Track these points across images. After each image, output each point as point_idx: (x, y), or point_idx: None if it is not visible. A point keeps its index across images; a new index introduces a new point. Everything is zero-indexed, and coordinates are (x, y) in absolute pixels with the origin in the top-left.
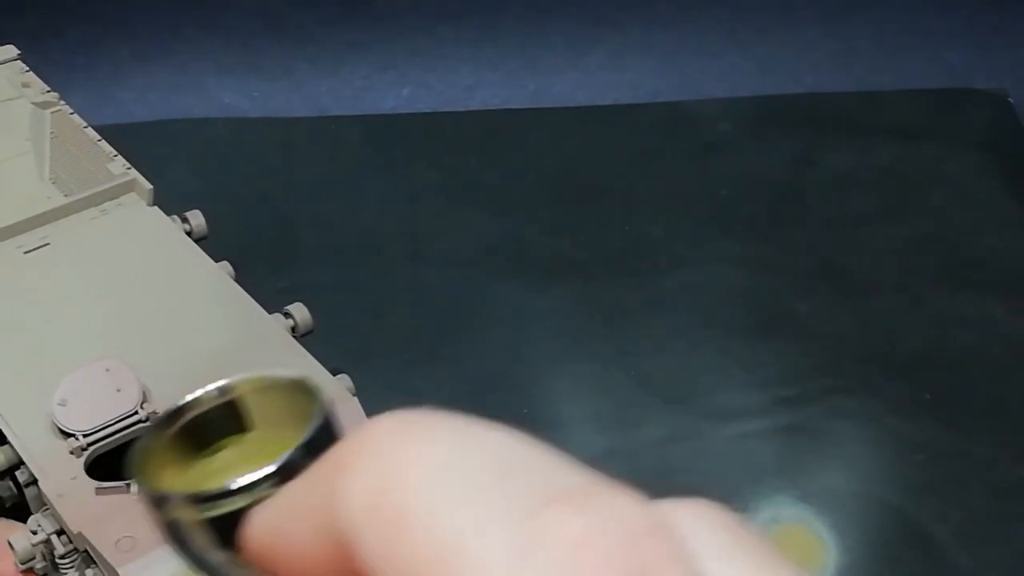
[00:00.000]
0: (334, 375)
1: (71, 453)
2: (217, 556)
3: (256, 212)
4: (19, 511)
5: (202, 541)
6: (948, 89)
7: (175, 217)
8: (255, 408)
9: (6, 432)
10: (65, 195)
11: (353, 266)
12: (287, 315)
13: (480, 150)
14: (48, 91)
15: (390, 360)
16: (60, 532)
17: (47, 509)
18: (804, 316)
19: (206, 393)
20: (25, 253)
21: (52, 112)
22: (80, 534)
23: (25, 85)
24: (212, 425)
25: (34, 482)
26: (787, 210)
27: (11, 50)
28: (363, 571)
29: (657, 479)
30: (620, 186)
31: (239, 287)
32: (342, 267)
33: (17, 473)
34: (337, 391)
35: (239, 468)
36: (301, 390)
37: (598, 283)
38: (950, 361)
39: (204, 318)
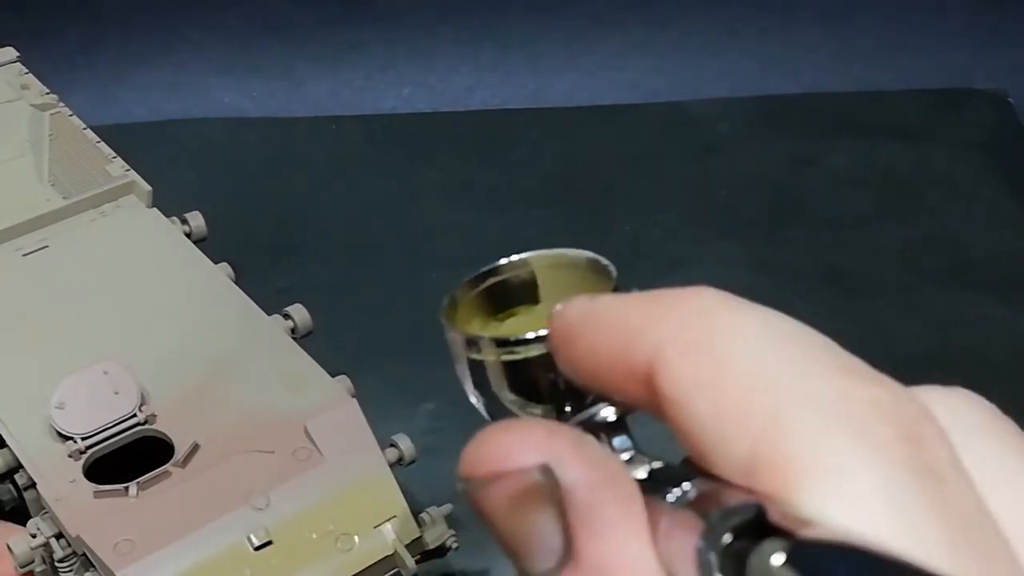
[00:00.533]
0: (333, 376)
1: (70, 456)
2: (510, 396)
3: (256, 212)
4: (18, 514)
5: (500, 380)
6: (948, 89)
7: (174, 219)
8: (548, 283)
9: (4, 435)
10: (64, 197)
11: (353, 266)
12: (286, 316)
13: (480, 150)
14: (47, 93)
15: (390, 360)
16: (59, 536)
17: (46, 512)
18: (804, 316)
19: (509, 263)
20: (24, 256)
21: (51, 114)
22: (78, 537)
23: (24, 87)
24: (509, 293)
25: (33, 485)
26: (787, 210)
27: (10, 52)
28: (662, 394)
29: None
30: (620, 186)
31: (238, 289)
32: (342, 267)
33: (16, 476)
34: (336, 393)
35: (528, 329)
36: (593, 270)
37: None
38: (950, 361)
39: (203, 320)
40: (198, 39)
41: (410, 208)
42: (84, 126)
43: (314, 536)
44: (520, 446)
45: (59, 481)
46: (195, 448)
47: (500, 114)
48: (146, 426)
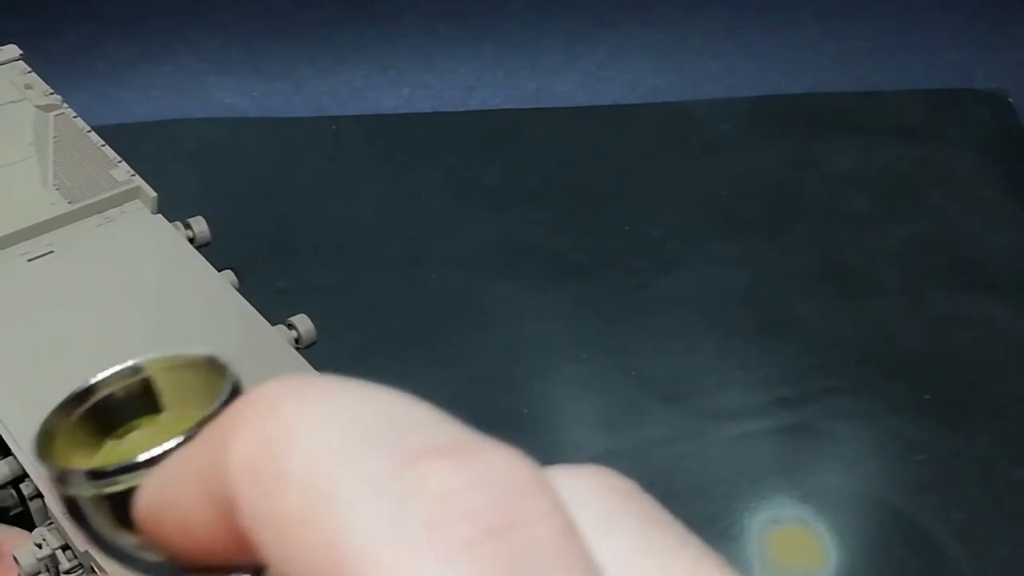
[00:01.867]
0: None
1: None
2: (118, 535)
3: (256, 212)
4: (23, 519)
5: (102, 519)
6: (948, 89)
7: (178, 223)
8: (166, 388)
9: (10, 444)
10: (69, 202)
11: (353, 266)
12: (290, 326)
13: (480, 150)
14: (51, 93)
15: (390, 360)
16: (65, 547)
17: (52, 523)
18: (804, 316)
19: (116, 373)
20: (29, 261)
21: (55, 115)
22: (87, 552)
23: (27, 87)
24: (123, 406)
25: (39, 496)
26: (787, 210)
27: (13, 50)
28: (246, 534)
29: (657, 479)
30: (620, 186)
31: (242, 299)
32: (342, 267)
33: (22, 486)
34: None
35: (148, 447)
36: (212, 367)
37: (598, 283)
38: (950, 361)
39: (207, 330)
40: (198, 39)
41: (410, 208)
42: (88, 128)
43: None
44: None
45: None
46: None
47: (500, 114)
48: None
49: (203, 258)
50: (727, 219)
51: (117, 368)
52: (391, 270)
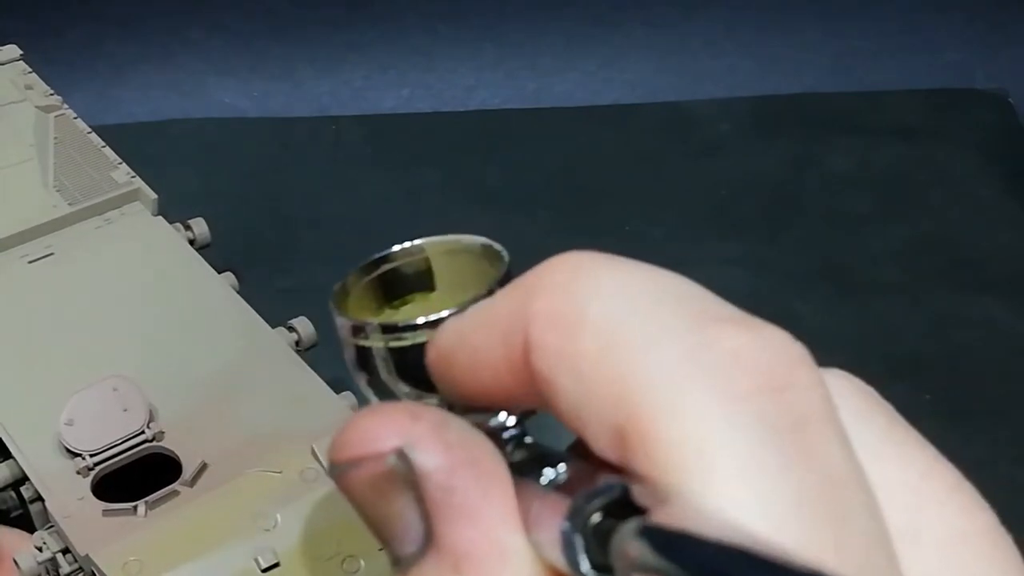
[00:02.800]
0: (336, 391)
1: (78, 473)
2: (397, 384)
3: (256, 212)
4: (23, 520)
5: (388, 368)
6: (948, 89)
7: (178, 225)
8: (442, 269)
9: (11, 447)
10: (69, 204)
11: (353, 266)
12: (291, 329)
13: (480, 150)
14: (51, 94)
15: None
16: (65, 551)
17: (52, 527)
18: (804, 316)
19: (404, 249)
20: (29, 263)
21: (56, 116)
22: (87, 556)
23: (28, 87)
24: (403, 280)
25: (39, 499)
26: (787, 210)
27: (13, 50)
28: (537, 374)
29: None
30: (620, 186)
31: (243, 302)
32: (342, 267)
33: (22, 488)
34: (342, 413)
35: (422, 315)
36: (486, 255)
37: None
38: (950, 361)
39: (209, 335)
40: (198, 39)
41: (410, 208)
42: (89, 130)
43: (321, 558)
44: (379, 430)
45: (68, 498)
46: (203, 467)
47: (500, 114)
48: (154, 443)
49: (203, 260)
50: (727, 219)
51: (406, 244)
52: None
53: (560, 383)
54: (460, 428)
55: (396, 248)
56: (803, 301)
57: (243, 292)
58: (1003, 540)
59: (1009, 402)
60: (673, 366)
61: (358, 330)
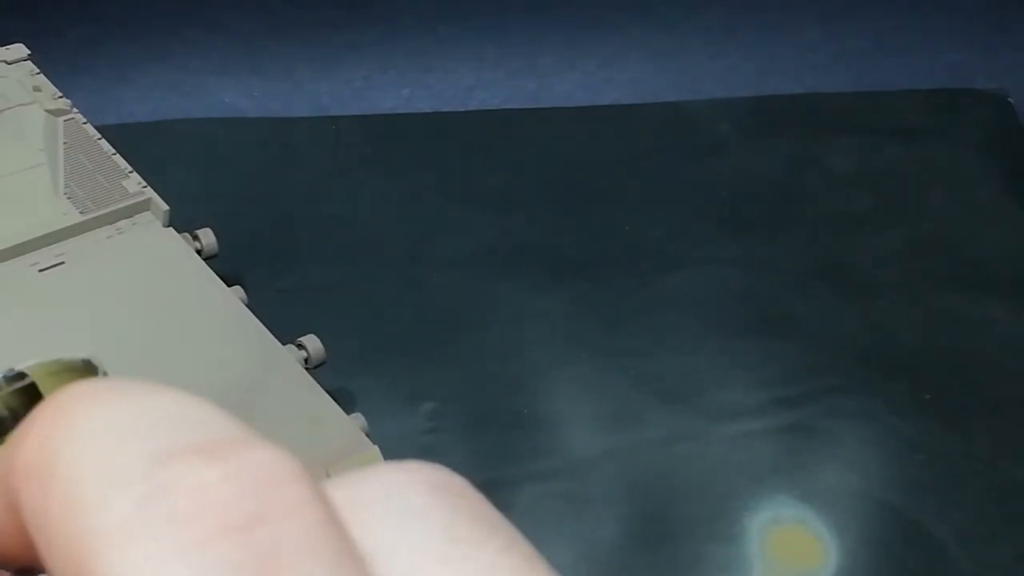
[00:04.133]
0: (348, 413)
1: None
2: None
3: (256, 212)
4: None
5: None
6: (948, 89)
7: (186, 235)
8: (50, 392)
9: None
10: (81, 212)
11: (353, 266)
12: (300, 346)
13: (480, 150)
14: (59, 96)
15: (390, 360)
16: None
17: None
18: (804, 316)
19: (2, 376)
20: (40, 271)
21: (65, 120)
22: None
23: (36, 89)
24: (14, 411)
25: None
26: (787, 210)
27: (21, 49)
28: (31, 535)
29: (657, 479)
30: (620, 186)
31: (253, 317)
32: (342, 267)
33: None
34: (357, 438)
35: None
36: (89, 370)
37: (598, 283)
38: (950, 361)
39: (219, 351)
40: (198, 39)
41: (410, 208)
42: (99, 136)
43: None
44: None
45: None
46: None
47: (500, 114)
48: None
49: (214, 274)
50: (727, 219)
51: (1, 374)
52: (391, 270)
53: (38, 543)
54: None
55: None
56: (803, 301)
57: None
58: None
59: (1009, 402)
60: (124, 521)
61: None
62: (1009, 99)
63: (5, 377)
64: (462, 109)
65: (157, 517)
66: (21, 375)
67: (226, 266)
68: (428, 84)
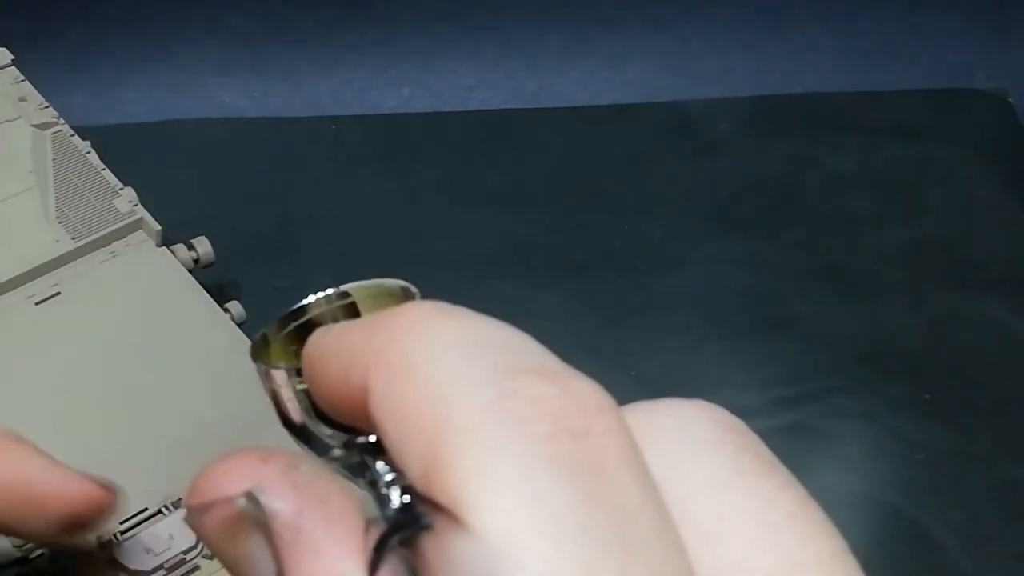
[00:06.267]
0: None
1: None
2: (320, 427)
3: (256, 212)
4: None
5: (307, 411)
6: (948, 89)
7: (182, 245)
8: (368, 312)
9: None
10: (73, 239)
11: (353, 266)
12: None
13: (480, 150)
14: (45, 106)
15: None
16: None
17: None
18: (804, 316)
19: (325, 296)
20: (36, 304)
21: (52, 133)
22: None
23: (22, 99)
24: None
25: (56, 560)
26: (787, 210)
27: (4, 55)
28: (369, 411)
29: None
30: (620, 186)
31: (248, 341)
32: (342, 267)
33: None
34: None
35: None
36: (406, 296)
37: (598, 283)
38: (950, 361)
39: (216, 381)
40: (198, 39)
41: (410, 208)
42: (88, 148)
43: None
44: (228, 474)
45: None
46: None
47: (500, 114)
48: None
49: (210, 298)
50: (727, 219)
51: (328, 292)
52: (391, 270)
53: (385, 425)
54: (310, 469)
55: (319, 295)
56: (803, 301)
57: (243, 291)
58: (841, 567)
59: (1009, 402)
60: (479, 413)
61: (272, 376)
62: (1009, 99)
63: (333, 295)
64: (462, 109)
65: (508, 412)
66: (345, 294)
67: (225, 266)
68: (428, 84)
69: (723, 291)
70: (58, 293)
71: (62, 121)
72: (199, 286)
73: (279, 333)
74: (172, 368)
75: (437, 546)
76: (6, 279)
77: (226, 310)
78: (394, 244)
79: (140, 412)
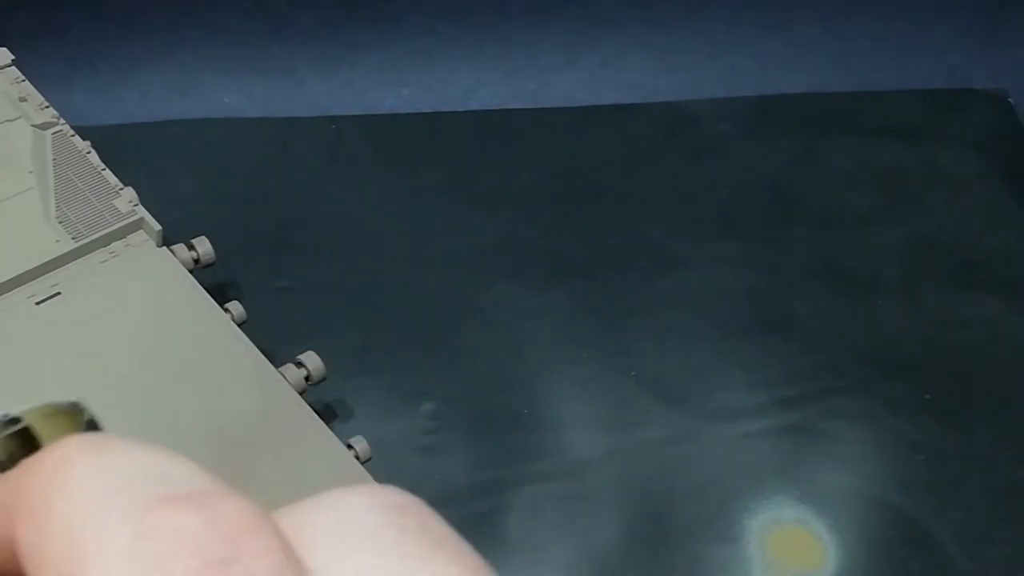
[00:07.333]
0: (349, 436)
1: None
2: None
3: (256, 212)
4: None
5: None
6: (948, 89)
7: (182, 245)
8: (47, 434)
9: None
10: (73, 238)
11: (353, 266)
12: (299, 364)
13: (480, 150)
14: (46, 106)
15: (390, 360)
16: None
17: None
18: (804, 316)
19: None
20: (37, 304)
21: (53, 133)
22: None
23: (22, 99)
24: (11, 455)
25: None
26: (787, 210)
27: (5, 55)
28: (24, 566)
29: (657, 479)
30: (620, 186)
31: (250, 343)
32: (342, 267)
33: None
34: (361, 477)
35: None
36: (76, 411)
37: (598, 283)
38: (950, 361)
39: (216, 382)
40: (198, 39)
41: (410, 208)
42: (88, 148)
43: None
44: None
45: None
46: None
47: (500, 114)
48: None
49: (211, 299)
50: (727, 219)
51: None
52: (391, 270)
53: (30, 572)
54: None
55: None
56: (803, 301)
57: (243, 291)
58: None
59: (1009, 402)
60: (117, 557)
61: None
62: (1009, 99)
63: (1, 420)
64: (462, 109)
65: (146, 554)
66: (16, 420)
67: (226, 266)
68: (428, 84)
69: (723, 291)
70: (58, 293)
71: (62, 121)
72: (199, 286)
73: None
74: (172, 367)
75: None
76: (6, 279)
77: (226, 310)
78: (394, 244)
79: (140, 411)
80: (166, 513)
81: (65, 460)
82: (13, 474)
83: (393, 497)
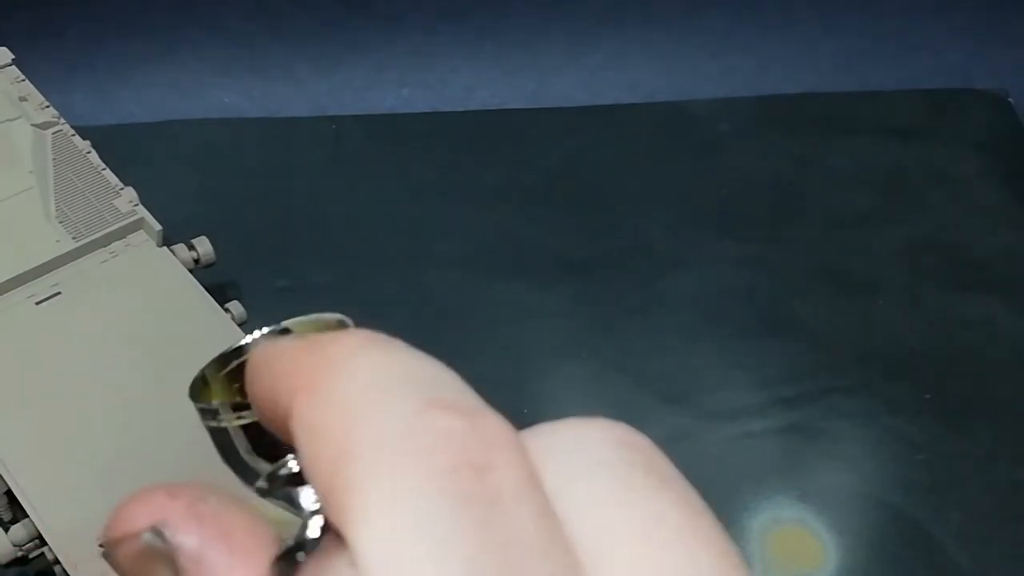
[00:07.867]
0: None
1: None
2: (259, 462)
3: (256, 212)
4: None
5: (245, 446)
6: (948, 89)
7: (182, 245)
8: None
9: (28, 510)
10: (74, 238)
11: (353, 266)
12: None
13: (480, 150)
14: (46, 106)
15: None
16: None
17: None
18: (804, 316)
19: (262, 334)
20: (36, 304)
21: (53, 133)
22: None
23: (22, 98)
24: None
25: (58, 562)
26: (787, 210)
27: (5, 55)
28: (291, 428)
29: None
30: (620, 186)
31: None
32: (342, 267)
33: (44, 549)
34: None
35: None
36: (344, 328)
37: (598, 283)
38: (950, 361)
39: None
40: (198, 39)
41: (410, 208)
42: (88, 148)
43: None
44: (138, 511)
45: (92, 571)
46: None
47: (500, 114)
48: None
49: (212, 299)
50: (727, 219)
51: (268, 329)
52: (391, 270)
53: (301, 443)
54: (218, 502)
55: (257, 334)
56: (803, 301)
57: (243, 291)
58: None
59: (1009, 402)
60: (385, 442)
61: (210, 413)
62: (1009, 99)
63: (273, 331)
64: (462, 109)
65: (416, 444)
66: (286, 330)
67: (226, 266)
68: (428, 84)
69: (723, 291)
70: (58, 293)
71: (63, 121)
72: (200, 286)
73: (219, 372)
74: (172, 368)
75: (319, 569)
76: (6, 279)
77: (226, 310)
78: (394, 244)
79: (140, 412)
80: (437, 413)
81: (355, 349)
82: (300, 345)
83: (625, 433)
